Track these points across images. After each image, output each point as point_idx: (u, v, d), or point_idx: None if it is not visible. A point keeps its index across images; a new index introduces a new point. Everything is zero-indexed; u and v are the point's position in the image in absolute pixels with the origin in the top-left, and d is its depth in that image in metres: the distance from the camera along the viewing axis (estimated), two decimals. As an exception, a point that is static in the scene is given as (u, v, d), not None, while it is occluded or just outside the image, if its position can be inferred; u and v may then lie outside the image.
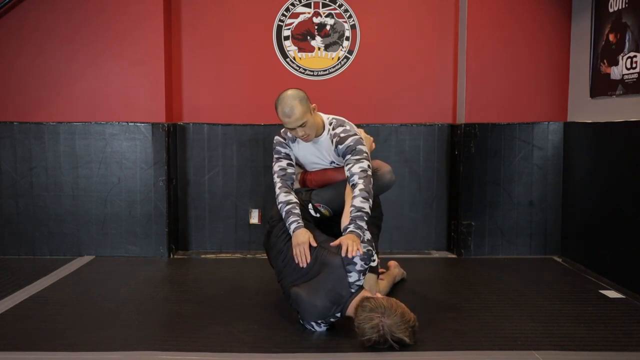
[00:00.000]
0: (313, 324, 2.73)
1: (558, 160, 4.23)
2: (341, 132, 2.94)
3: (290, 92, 2.90)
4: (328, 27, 4.35)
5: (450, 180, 4.40)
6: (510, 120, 4.21)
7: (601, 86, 3.76)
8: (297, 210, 2.92)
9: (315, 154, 3.07)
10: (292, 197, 2.97)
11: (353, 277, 2.65)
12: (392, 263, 3.58)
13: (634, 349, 2.55)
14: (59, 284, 3.54)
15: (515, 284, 3.55)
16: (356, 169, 2.81)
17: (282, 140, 3.12)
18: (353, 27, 4.35)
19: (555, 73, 4.20)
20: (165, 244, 4.22)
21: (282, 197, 2.97)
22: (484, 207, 4.24)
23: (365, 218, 2.73)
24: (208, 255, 4.29)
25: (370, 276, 2.92)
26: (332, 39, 4.35)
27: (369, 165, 2.84)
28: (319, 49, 4.36)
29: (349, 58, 4.36)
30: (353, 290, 2.66)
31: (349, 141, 2.89)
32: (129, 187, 4.20)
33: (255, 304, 3.16)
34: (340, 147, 2.91)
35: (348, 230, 2.72)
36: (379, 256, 3.29)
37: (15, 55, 4.14)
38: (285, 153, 3.10)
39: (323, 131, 3.00)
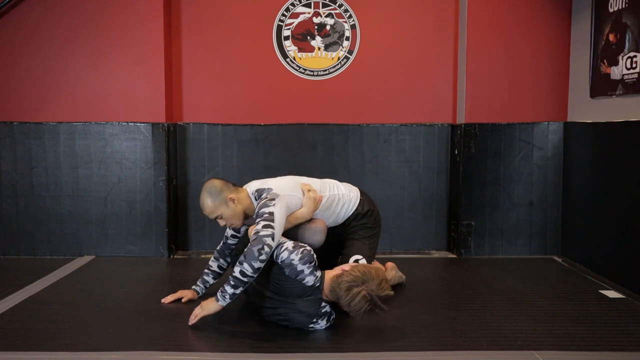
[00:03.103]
0: (314, 325, 2.73)
1: (558, 160, 4.23)
2: (258, 205, 2.84)
3: (206, 185, 2.92)
4: (328, 27, 4.35)
5: (450, 180, 4.40)
6: (510, 120, 4.21)
7: (601, 86, 3.76)
8: (205, 277, 3.23)
9: None
10: (212, 264, 3.23)
11: (309, 281, 2.67)
12: (389, 265, 3.48)
13: (634, 349, 2.55)
14: (59, 284, 3.54)
15: (515, 284, 3.55)
16: (252, 233, 2.73)
17: None
18: (353, 27, 4.35)
19: (555, 73, 4.20)
20: (165, 244, 4.22)
21: (209, 261, 3.26)
22: (484, 207, 4.24)
23: (232, 282, 2.64)
24: (208, 255, 4.28)
25: None
26: (332, 39, 4.35)
27: (264, 225, 2.68)
28: (319, 49, 4.36)
29: (349, 58, 4.36)
30: (318, 284, 2.69)
31: (257, 209, 2.82)
32: (129, 187, 4.20)
33: (255, 304, 3.16)
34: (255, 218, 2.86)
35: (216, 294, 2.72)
36: (377, 256, 3.30)
37: (15, 55, 4.14)
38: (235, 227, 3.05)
39: (254, 207, 2.93)
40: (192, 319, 2.75)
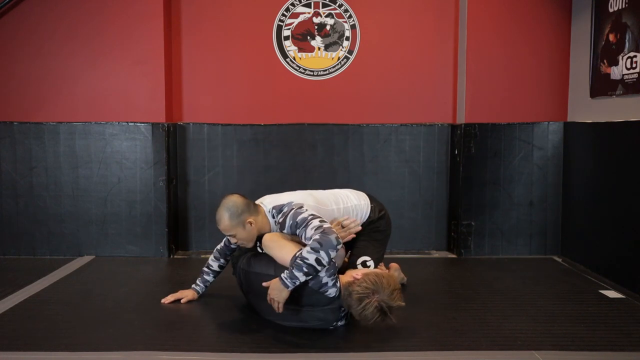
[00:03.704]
0: (337, 324, 2.76)
1: (558, 160, 4.23)
2: (280, 217, 2.82)
3: (227, 201, 2.84)
4: (328, 27, 4.35)
5: (450, 180, 4.40)
6: (510, 120, 4.21)
7: (601, 86, 3.76)
8: (205, 276, 3.21)
9: None
10: (212, 263, 3.21)
11: (331, 293, 2.66)
12: (393, 265, 3.50)
13: (634, 349, 2.55)
14: (59, 284, 3.54)
15: (515, 284, 3.55)
16: (309, 232, 2.63)
17: None
18: (353, 27, 4.35)
19: (555, 73, 4.20)
20: (165, 244, 4.22)
21: (209, 260, 3.24)
22: (484, 207, 4.24)
23: (305, 269, 2.54)
24: (208, 255, 4.24)
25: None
26: (332, 39, 4.35)
27: (320, 221, 2.66)
28: (319, 49, 4.36)
29: (349, 58, 4.36)
30: (338, 295, 2.67)
31: (288, 221, 2.76)
32: (129, 187, 4.20)
33: (255, 304, 3.16)
34: (285, 231, 2.81)
35: (280, 278, 2.61)
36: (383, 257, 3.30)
37: (15, 56, 4.14)
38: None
39: (270, 226, 2.89)
40: (279, 310, 2.64)
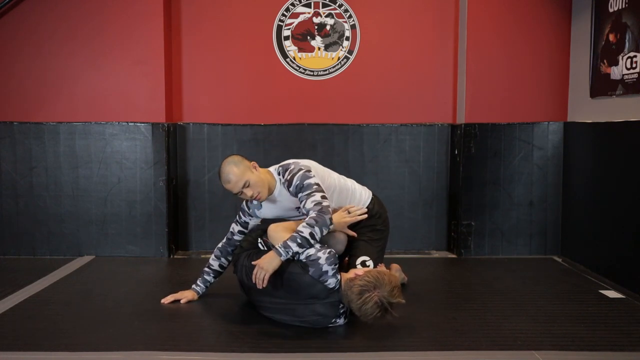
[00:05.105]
0: (333, 325, 2.76)
1: (558, 160, 4.23)
2: (287, 175, 2.88)
3: (226, 160, 2.95)
4: (328, 27, 4.35)
5: (450, 180, 4.40)
6: (510, 120, 4.21)
7: (601, 86, 3.76)
8: (205, 276, 3.21)
9: (280, 209, 3.02)
10: (213, 263, 3.21)
11: (331, 283, 2.67)
12: (394, 266, 3.48)
13: (634, 349, 2.55)
14: (59, 284, 3.54)
15: (515, 284, 3.55)
16: (309, 204, 2.74)
17: (245, 208, 3.11)
18: (353, 27, 4.35)
19: (555, 73, 4.20)
20: (165, 244, 4.22)
21: (210, 260, 3.24)
22: (484, 207, 4.24)
23: (299, 240, 2.64)
24: (208, 255, 4.25)
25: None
26: (332, 39, 4.35)
27: (322, 196, 2.75)
28: (319, 49, 4.36)
29: (349, 58, 4.36)
30: (337, 287, 2.70)
31: (295, 180, 2.83)
32: (129, 187, 4.20)
33: (255, 304, 3.16)
34: (290, 189, 2.87)
35: (273, 248, 2.70)
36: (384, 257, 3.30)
37: (15, 56, 4.14)
38: (244, 220, 3.13)
39: (275, 183, 2.97)
40: (262, 284, 2.65)
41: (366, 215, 3.09)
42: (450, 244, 4.41)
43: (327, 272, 2.66)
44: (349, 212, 3.02)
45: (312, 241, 2.66)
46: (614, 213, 3.57)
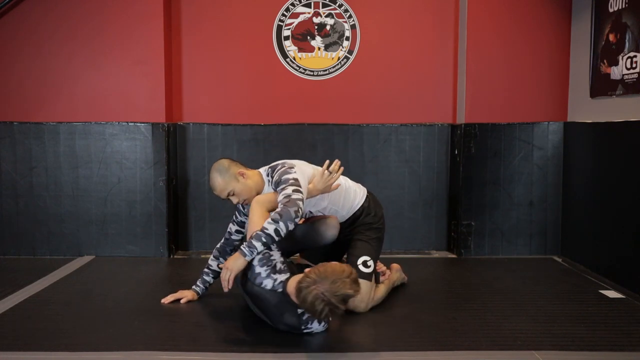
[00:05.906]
0: (307, 330, 2.66)
1: (558, 160, 4.23)
2: (274, 174, 2.91)
3: (214, 165, 2.97)
4: (328, 27, 4.35)
5: (450, 180, 4.40)
6: (510, 120, 4.21)
7: (601, 86, 3.76)
8: (205, 277, 3.21)
9: None
10: (212, 263, 3.22)
11: (267, 284, 2.61)
12: (394, 266, 3.46)
13: (634, 349, 2.55)
14: (59, 284, 3.54)
15: (515, 284, 3.55)
16: (280, 197, 2.75)
17: (241, 208, 3.13)
18: (353, 27, 4.35)
19: (555, 73, 4.20)
20: (165, 244, 4.22)
21: (209, 260, 3.25)
22: (484, 207, 4.24)
23: (264, 239, 2.62)
24: (208, 255, 4.25)
25: (364, 283, 2.83)
26: (332, 39, 4.35)
27: (294, 190, 2.73)
28: (319, 49, 4.36)
29: (349, 58, 4.36)
30: (280, 290, 2.59)
31: (275, 178, 2.87)
32: (129, 187, 4.20)
33: (255, 304, 3.16)
34: (278, 189, 2.85)
35: (239, 248, 2.69)
36: (381, 257, 3.30)
37: (15, 56, 4.14)
38: (240, 220, 3.16)
39: (264, 184, 2.99)
40: (227, 285, 2.66)
41: (342, 168, 3.00)
42: (450, 244, 4.41)
43: (259, 274, 2.63)
44: (330, 173, 2.94)
45: (277, 238, 2.64)
46: (614, 213, 3.57)
